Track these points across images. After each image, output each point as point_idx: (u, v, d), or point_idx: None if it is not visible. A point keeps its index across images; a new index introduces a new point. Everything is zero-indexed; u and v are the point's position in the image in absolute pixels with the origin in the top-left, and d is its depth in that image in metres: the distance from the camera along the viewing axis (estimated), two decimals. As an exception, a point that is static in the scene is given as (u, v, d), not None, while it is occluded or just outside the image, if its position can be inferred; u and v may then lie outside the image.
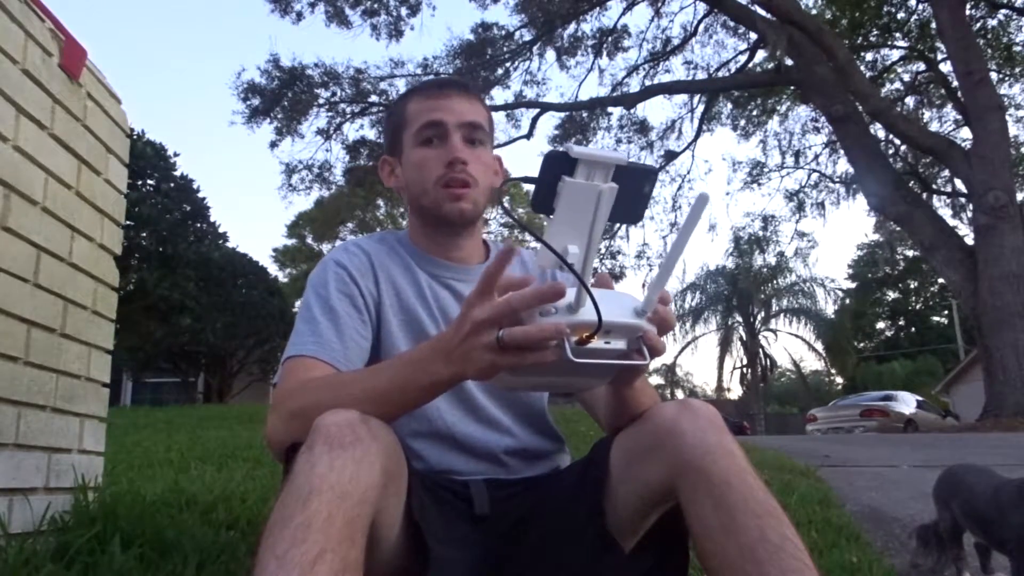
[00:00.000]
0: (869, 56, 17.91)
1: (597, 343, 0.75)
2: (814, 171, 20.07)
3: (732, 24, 17.20)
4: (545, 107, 17.54)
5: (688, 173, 19.40)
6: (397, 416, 0.87)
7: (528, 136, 17.24)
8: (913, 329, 36.64)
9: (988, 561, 1.72)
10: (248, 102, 16.62)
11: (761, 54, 16.95)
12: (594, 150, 0.73)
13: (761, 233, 24.43)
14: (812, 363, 39.35)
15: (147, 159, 14.03)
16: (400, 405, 0.86)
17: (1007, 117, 13.48)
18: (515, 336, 0.72)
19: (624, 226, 19.07)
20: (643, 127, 19.00)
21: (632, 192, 0.76)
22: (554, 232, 0.76)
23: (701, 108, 18.64)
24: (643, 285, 21.84)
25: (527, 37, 17.49)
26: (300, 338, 1.00)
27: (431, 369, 0.80)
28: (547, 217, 0.76)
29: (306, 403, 0.87)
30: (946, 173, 17.32)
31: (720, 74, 18.28)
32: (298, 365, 0.97)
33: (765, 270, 26.75)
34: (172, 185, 14.83)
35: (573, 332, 0.74)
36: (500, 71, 17.66)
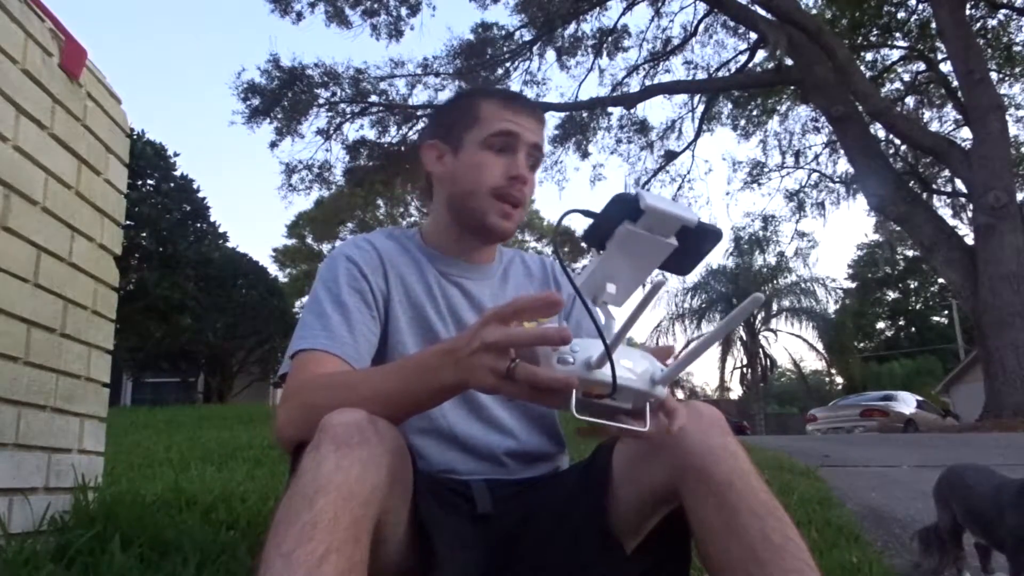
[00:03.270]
0: (869, 56, 17.90)
1: (606, 400, 0.74)
2: (814, 171, 20.07)
3: (732, 24, 17.19)
4: (545, 107, 17.51)
5: (688, 173, 19.41)
6: (405, 418, 0.87)
7: (528, 136, 17.25)
8: (913, 329, 36.64)
9: (988, 561, 1.72)
10: (248, 102, 16.60)
11: (761, 54, 16.94)
12: (666, 204, 0.70)
13: (761, 233, 24.44)
14: (812, 363, 39.39)
15: (147, 159, 14.02)
16: (408, 407, 0.86)
17: (1007, 117, 13.44)
18: (526, 373, 0.72)
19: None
20: (643, 127, 19.00)
21: (690, 248, 0.74)
22: (598, 268, 0.75)
23: (701, 108, 18.64)
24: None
25: (527, 37, 17.48)
26: (310, 331, 0.99)
27: (439, 374, 0.80)
28: (595, 251, 0.75)
29: (317, 400, 0.87)
30: (946, 173, 17.30)
31: (720, 74, 18.27)
32: (309, 359, 0.96)
33: (765, 270, 26.77)
34: (172, 185, 14.82)
35: (583, 386, 0.73)
36: (500, 71, 17.65)
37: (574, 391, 0.71)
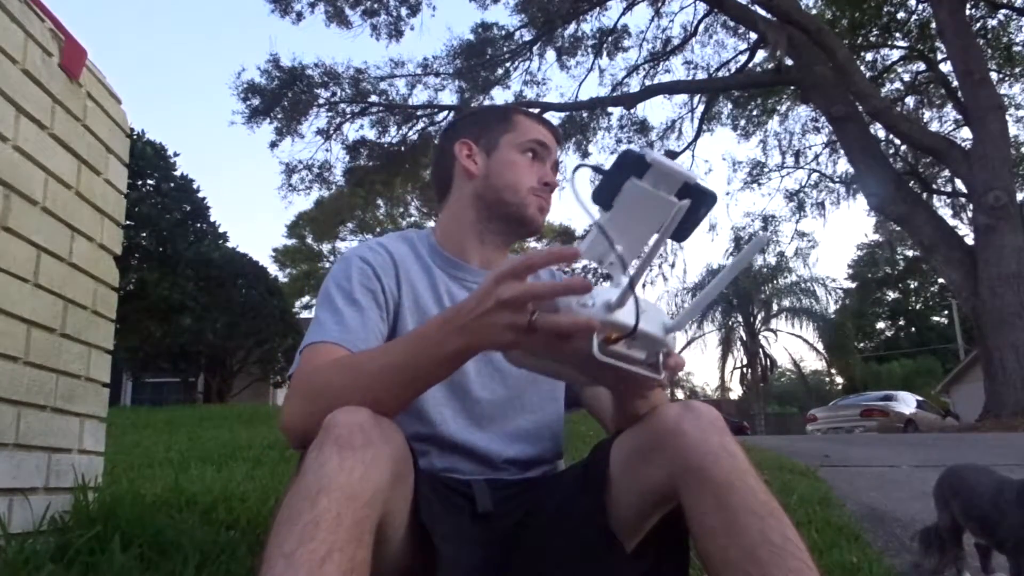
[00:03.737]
0: (869, 56, 17.91)
1: (620, 347, 0.75)
2: (814, 171, 20.09)
3: (732, 24, 17.20)
4: (545, 107, 17.52)
5: (688, 173, 19.35)
6: (415, 394, 0.87)
7: (528, 136, 17.22)
8: (913, 329, 36.64)
9: (989, 561, 1.71)
10: (248, 102, 16.62)
11: (761, 54, 16.94)
12: (669, 161, 0.74)
13: (761, 233, 24.41)
14: (812, 363, 39.42)
15: (147, 159, 14.02)
16: (417, 381, 0.85)
17: (1007, 117, 13.45)
18: (547, 322, 0.73)
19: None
20: (643, 127, 19.01)
21: (688, 212, 0.77)
22: (605, 226, 0.76)
23: (701, 108, 18.65)
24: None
25: (527, 37, 17.49)
26: (322, 327, 0.98)
27: (444, 340, 0.80)
28: (600, 210, 0.77)
29: (321, 384, 0.87)
30: (946, 173, 17.31)
31: (720, 74, 18.28)
32: (320, 350, 0.95)
33: (765, 270, 26.75)
34: (172, 185, 14.81)
35: (603, 330, 0.74)
36: (500, 71, 17.66)
37: (595, 334, 0.72)
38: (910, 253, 31.66)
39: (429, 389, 0.90)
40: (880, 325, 38.74)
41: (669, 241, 0.78)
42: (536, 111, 1.22)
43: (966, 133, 14.76)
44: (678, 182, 0.74)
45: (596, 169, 0.77)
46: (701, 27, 17.83)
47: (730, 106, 19.50)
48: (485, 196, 1.14)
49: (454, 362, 0.82)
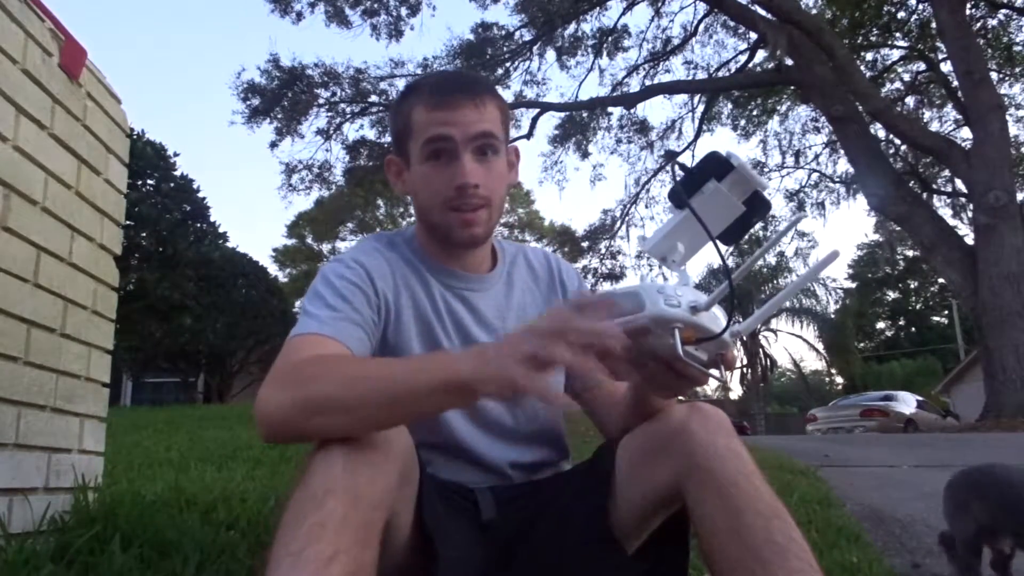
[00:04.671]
0: (869, 56, 17.89)
1: (689, 346, 0.76)
2: (814, 171, 20.07)
3: (732, 24, 17.18)
4: (545, 107, 17.53)
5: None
6: (402, 420, 0.80)
7: (528, 136, 17.21)
8: (913, 329, 36.65)
9: (1009, 571, 1.57)
10: (248, 102, 16.59)
11: (761, 54, 16.92)
12: (750, 169, 0.75)
13: (761, 233, 24.41)
14: (812, 363, 39.42)
15: (147, 159, 14.04)
16: (407, 406, 0.75)
17: (1007, 117, 13.43)
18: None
19: (626, 225, 19.14)
20: (643, 127, 18.99)
21: (742, 218, 0.78)
22: (679, 225, 0.77)
23: (701, 108, 18.63)
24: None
25: (527, 37, 17.47)
26: (314, 319, 0.92)
27: (453, 363, 0.72)
28: (674, 210, 0.77)
29: (306, 376, 0.79)
30: (946, 173, 17.30)
31: (720, 74, 18.26)
32: (311, 341, 0.89)
33: (765, 270, 26.74)
34: (172, 185, 14.84)
35: (684, 330, 0.74)
36: (500, 71, 17.64)
37: (677, 331, 0.72)
38: (910, 253, 31.65)
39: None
40: (880, 325, 38.77)
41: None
42: (434, 79, 1.06)
43: (966, 133, 14.75)
44: (750, 189, 0.75)
45: (682, 167, 0.77)
46: (701, 27, 17.83)
47: (730, 106, 19.49)
48: (419, 216, 1.06)
49: (448, 394, 0.72)
